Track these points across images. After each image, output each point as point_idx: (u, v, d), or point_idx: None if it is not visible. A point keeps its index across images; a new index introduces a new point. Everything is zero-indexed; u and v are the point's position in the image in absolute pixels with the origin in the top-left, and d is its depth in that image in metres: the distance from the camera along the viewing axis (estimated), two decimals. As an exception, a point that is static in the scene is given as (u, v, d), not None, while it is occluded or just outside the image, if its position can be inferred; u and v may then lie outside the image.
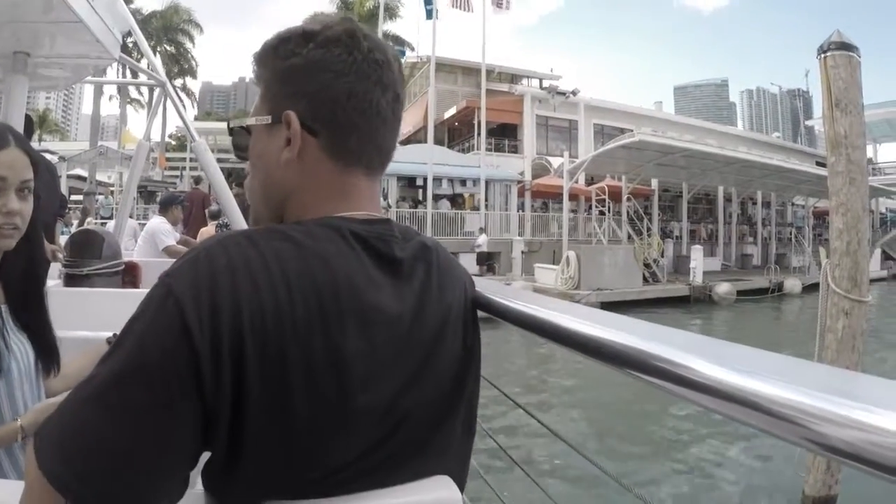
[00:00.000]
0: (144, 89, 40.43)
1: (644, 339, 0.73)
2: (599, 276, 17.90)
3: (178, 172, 40.04)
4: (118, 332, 1.66)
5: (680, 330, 0.77)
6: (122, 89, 39.54)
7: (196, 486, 0.81)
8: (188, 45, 42.12)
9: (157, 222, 5.98)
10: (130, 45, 17.36)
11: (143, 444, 0.70)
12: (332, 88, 0.85)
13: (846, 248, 5.22)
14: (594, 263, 18.19)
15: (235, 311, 0.72)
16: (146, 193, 26.74)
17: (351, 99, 0.85)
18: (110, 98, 43.60)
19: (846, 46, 5.27)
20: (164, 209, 6.23)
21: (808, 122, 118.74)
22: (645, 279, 19.70)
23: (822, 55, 5.30)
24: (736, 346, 0.69)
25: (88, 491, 0.70)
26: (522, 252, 21.84)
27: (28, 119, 3.43)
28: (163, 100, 5.93)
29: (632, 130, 21.73)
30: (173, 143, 49.56)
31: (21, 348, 1.44)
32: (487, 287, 1.10)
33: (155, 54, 9.79)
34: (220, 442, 0.74)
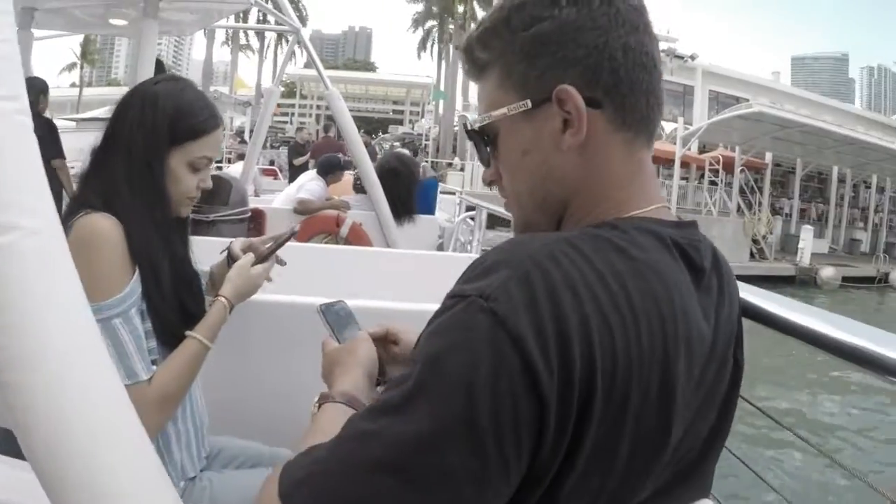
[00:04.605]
0: (253, 36, 41.35)
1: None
2: (706, 249, 17.33)
3: (286, 119, 41.47)
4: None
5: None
6: (232, 36, 40.66)
7: None
8: (296, -7, 42.64)
9: (313, 179, 5.27)
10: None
11: None
12: (606, 47, 0.69)
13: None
14: (702, 235, 17.64)
15: (587, 345, 0.56)
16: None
17: (628, 53, 0.70)
18: (221, 44, 44.95)
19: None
20: (325, 172, 5.37)
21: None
22: (752, 255, 19.04)
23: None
24: None
25: None
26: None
27: (159, 63, 3.45)
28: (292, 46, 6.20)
29: (747, 100, 20.88)
30: (283, 89, 50.96)
31: None
32: (753, 293, 0.95)
33: (266, 2, 9.92)
34: (531, 499, 0.60)
